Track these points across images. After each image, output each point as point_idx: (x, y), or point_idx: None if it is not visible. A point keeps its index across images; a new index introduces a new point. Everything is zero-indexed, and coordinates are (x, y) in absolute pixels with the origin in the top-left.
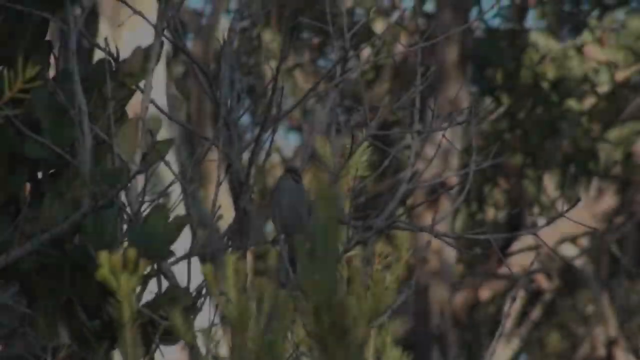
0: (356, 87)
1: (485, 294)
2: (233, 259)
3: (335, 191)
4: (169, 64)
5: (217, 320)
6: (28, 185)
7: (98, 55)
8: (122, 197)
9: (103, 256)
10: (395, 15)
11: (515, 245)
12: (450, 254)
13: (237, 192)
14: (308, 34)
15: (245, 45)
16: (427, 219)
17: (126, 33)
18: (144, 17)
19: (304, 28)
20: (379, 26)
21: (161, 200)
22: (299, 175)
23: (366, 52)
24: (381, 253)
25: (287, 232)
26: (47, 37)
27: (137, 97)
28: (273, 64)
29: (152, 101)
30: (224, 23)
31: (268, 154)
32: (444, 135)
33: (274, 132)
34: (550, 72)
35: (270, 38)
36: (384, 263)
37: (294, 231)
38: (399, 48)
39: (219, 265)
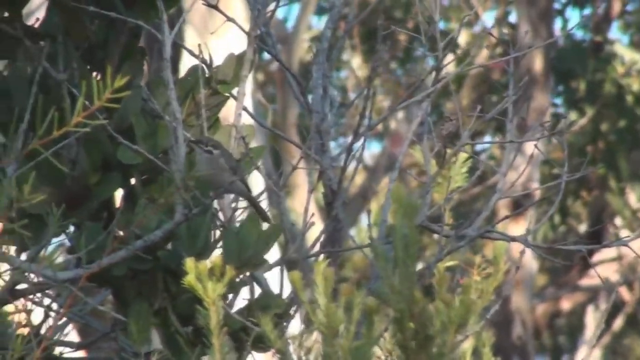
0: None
1: (566, 304)
2: (322, 266)
3: (414, 201)
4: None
5: (307, 327)
6: (121, 192)
7: (185, 62)
8: (215, 203)
9: (190, 263)
10: (478, 26)
11: (596, 257)
12: (532, 264)
13: (330, 200)
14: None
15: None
16: (510, 228)
17: (214, 40)
18: (237, 25)
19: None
20: (462, 36)
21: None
22: (210, 145)
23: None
24: (476, 262)
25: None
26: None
27: (230, 104)
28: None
29: (244, 108)
30: (306, 32)
31: (359, 162)
32: (536, 146)
33: (365, 140)
34: (635, 85)
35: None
36: (479, 272)
37: (224, 192)
38: (484, 57)
39: (309, 273)
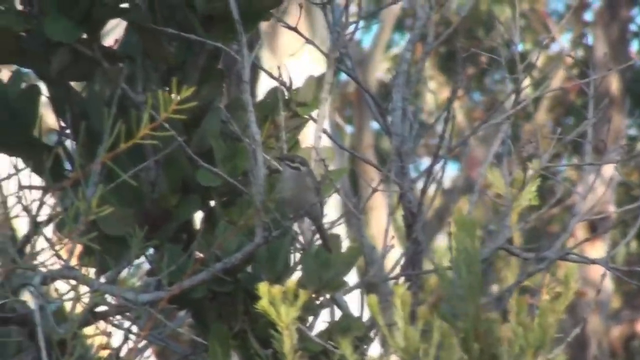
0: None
1: None
2: (400, 290)
3: (475, 220)
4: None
5: (386, 350)
6: (201, 214)
7: (262, 84)
8: (295, 226)
9: (263, 288)
10: (554, 48)
11: None
12: (608, 286)
13: (410, 222)
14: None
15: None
16: (586, 250)
17: (290, 60)
18: (316, 47)
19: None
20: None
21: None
22: (297, 162)
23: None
24: (548, 284)
25: (296, 216)
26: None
27: (308, 126)
28: (432, 95)
29: (324, 131)
30: (381, 55)
31: (440, 185)
32: (616, 168)
33: (445, 163)
34: None
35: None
36: (551, 294)
37: (303, 214)
38: (561, 79)
39: (389, 295)
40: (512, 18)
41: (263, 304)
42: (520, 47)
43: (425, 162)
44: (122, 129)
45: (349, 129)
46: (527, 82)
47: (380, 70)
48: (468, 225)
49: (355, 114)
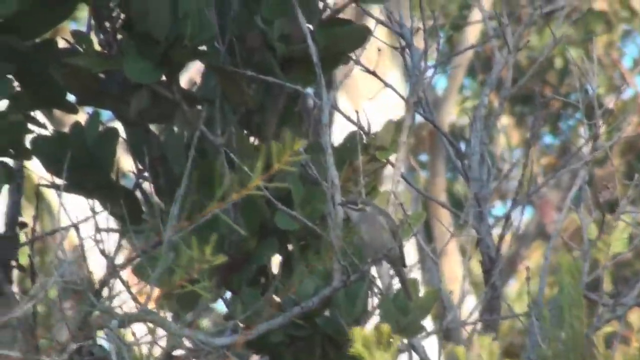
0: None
1: None
2: (487, 341)
3: (580, 265)
4: None
5: None
6: (278, 257)
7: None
8: (372, 270)
9: (357, 331)
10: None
11: None
12: None
13: (487, 267)
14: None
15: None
16: None
17: (365, 103)
18: (395, 91)
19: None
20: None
21: (415, 274)
22: (360, 204)
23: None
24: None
25: (375, 260)
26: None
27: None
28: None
29: (402, 176)
30: (454, 99)
31: (518, 230)
32: None
33: (524, 208)
34: None
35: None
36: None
37: (382, 258)
38: (635, 124)
39: (464, 341)
40: (585, 63)
41: (357, 347)
42: (591, 91)
43: (497, 206)
44: (234, 179)
45: (422, 173)
46: (603, 127)
47: (452, 114)
48: (574, 270)
49: (429, 158)
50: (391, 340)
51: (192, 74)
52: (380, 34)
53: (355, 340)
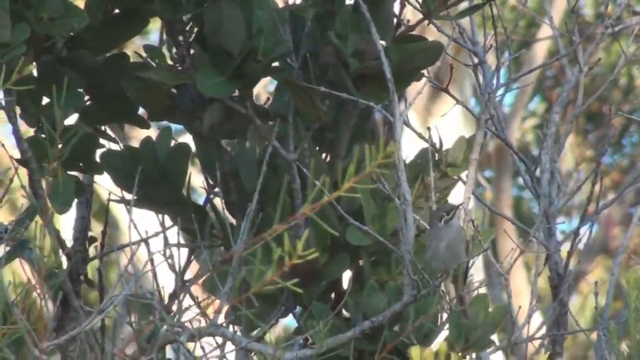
0: None
1: None
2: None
3: None
4: None
5: None
6: (349, 273)
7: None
8: (442, 285)
9: (415, 351)
10: None
11: None
12: None
13: (555, 283)
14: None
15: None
16: None
17: (433, 119)
18: (466, 108)
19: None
20: None
21: (481, 289)
22: (447, 216)
23: None
24: None
25: (447, 272)
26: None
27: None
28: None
29: (473, 193)
30: (521, 116)
31: (589, 247)
32: None
33: (592, 225)
34: None
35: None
36: None
37: (452, 269)
38: None
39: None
40: None
41: None
42: None
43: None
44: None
45: (488, 189)
46: None
47: (520, 132)
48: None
49: (495, 175)
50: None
51: (258, 89)
52: (449, 50)
53: (412, 359)
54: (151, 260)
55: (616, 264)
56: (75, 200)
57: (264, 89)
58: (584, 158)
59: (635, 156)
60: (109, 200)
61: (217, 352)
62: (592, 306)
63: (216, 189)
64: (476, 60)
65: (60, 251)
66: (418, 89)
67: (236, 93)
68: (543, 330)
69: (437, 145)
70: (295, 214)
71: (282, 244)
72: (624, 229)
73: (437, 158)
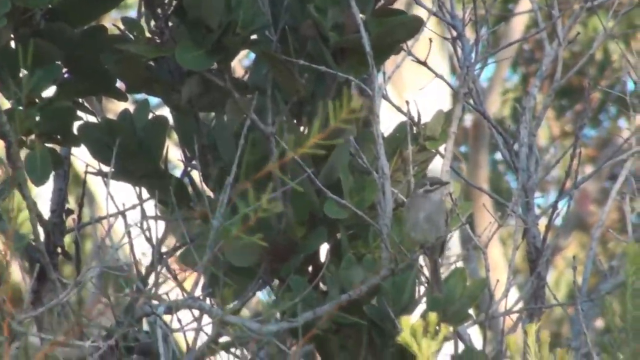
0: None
1: None
2: (533, 328)
3: None
4: None
5: None
6: (327, 246)
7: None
8: (420, 259)
9: (405, 320)
10: None
11: None
12: None
13: (533, 257)
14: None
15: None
16: None
17: (410, 94)
18: (445, 82)
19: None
20: None
21: (459, 263)
22: (430, 187)
23: None
24: None
25: (425, 243)
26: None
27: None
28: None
29: (451, 166)
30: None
31: (565, 220)
32: None
33: (571, 198)
34: None
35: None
36: None
37: (432, 241)
38: None
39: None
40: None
41: (405, 336)
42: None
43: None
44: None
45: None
46: None
47: (498, 106)
48: (638, 259)
49: (471, 150)
50: (438, 329)
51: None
52: (428, 24)
53: (403, 329)
54: (128, 233)
55: (594, 239)
56: (53, 173)
57: (240, 63)
58: (562, 133)
59: (611, 131)
60: (86, 172)
61: (194, 324)
62: (568, 281)
63: (194, 162)
64: (455, 34)
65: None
66: (397, 62)
67: (215, 66)
68: (520, 304)
69: (416, 119)
70: (273, 188)
71: (247, 200)
72: (599, 204)
73: (415, 132)
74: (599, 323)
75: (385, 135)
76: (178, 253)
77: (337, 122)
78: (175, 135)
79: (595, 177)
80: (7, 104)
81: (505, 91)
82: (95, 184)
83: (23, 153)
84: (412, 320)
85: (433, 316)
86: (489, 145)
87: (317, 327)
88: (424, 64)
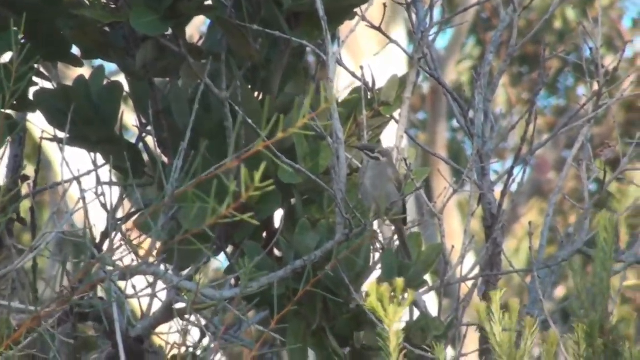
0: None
1: None
2: (498, 295)
3: (615, 223)
4: None
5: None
6: (281, 211)
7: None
8: (376, 225)
9: (372, 286)
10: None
11: None
12: None
13: (489, 223)
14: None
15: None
16: None
17: (366, 60)
18: (400, 47)
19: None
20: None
21: (414, 229)
22: (376, 152)
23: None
24: None
25: (377, 209)
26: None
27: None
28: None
29: (406, 131)
30: (456, 57)
31: (521, 186)
32: None
33: (527, 164)
34: None
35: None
36: None
37: (385, 207)
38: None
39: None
40: (585, 23)
41: (371, 301)
42: (588, 52)
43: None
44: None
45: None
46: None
47: (455, 74)
48: (610, 225)
49: (429, 116)
50: (405, 295)
51: (191, 29)
52: None
53: (369, 294)
54: (83, 199)
55: (551, 206)
56: (8, 139)
57: (197, 30)
58: (519, 101)
59: (568, 99)
60: (41, 138)
61: (149, 290)
62: (527, 249)
63: (149, 127)
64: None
65: None
66: (351, 27)
67: (169, 31)
68: (476, 271)
69: (370, 84)
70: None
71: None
72: (557, 172)
73: (370, 97)
74: (559, 291)
75: (340, 100)
76: (133, 219)
77: (308, 119)
78: (130, 101)
79: (555, 145)
80: None
81: (463, 59)
82: (52, 150)
83: None
84: (378, 285)
85: (400, 282)
86: (447, 112)
87: (271, 293)
88: (379, 29)
